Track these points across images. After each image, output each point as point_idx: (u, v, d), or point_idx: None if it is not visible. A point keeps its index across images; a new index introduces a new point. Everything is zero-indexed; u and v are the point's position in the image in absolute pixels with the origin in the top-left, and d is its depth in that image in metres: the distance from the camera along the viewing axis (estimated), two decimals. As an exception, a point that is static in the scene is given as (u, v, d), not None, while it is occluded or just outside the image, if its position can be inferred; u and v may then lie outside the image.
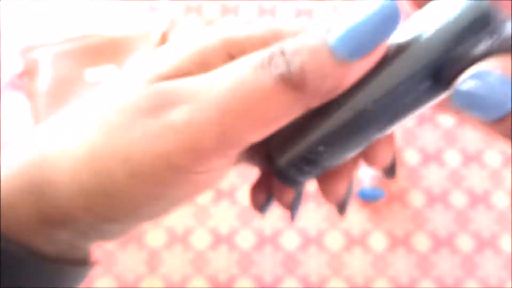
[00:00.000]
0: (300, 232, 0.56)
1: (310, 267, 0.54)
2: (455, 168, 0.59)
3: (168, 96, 0.15)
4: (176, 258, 0.54)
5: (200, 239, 0.55)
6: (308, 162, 0.17)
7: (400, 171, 0.58)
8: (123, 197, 0.15)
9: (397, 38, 0.14)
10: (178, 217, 0.56)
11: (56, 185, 0.15)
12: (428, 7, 0.14)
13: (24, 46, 0.60)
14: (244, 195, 0.57)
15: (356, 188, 0.58)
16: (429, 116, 0.60)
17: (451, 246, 0.55)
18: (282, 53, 0.14)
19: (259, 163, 0.20)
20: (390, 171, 0.19)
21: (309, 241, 0.55)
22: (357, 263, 0.54)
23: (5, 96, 0.60)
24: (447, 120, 0.60)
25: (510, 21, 0.12)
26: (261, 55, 0.14)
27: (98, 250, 0.54)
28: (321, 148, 0.16)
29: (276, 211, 0.56)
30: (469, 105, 0.13)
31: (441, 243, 0.56)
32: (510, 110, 0.12)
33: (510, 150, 0.59)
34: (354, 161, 0.19)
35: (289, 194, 0.19)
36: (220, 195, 0.57)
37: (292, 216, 0.20)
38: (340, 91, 0.14)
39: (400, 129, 0.60)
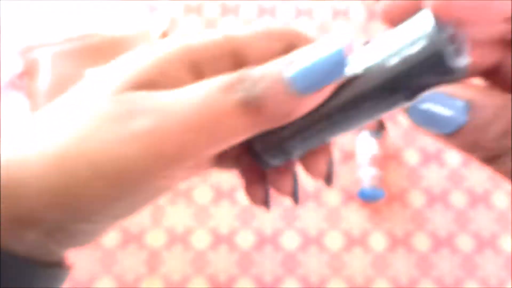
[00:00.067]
0: (300, 232, 0.56)
1: (310, 267, 0.54)
2: (455, 168, 0.59)
3: (135, 106, 0.16)
4: (176, 258, 0.54)
5: (200, 239, 0.55)
6: (282, 151, 0.19)
7: (400, 171, 0.58)
8: (87, 197, 0.16)
9: (367, 56, 0.16)
10: (178, 217, 0.56)
11: (25, 185, 0.16)
12: (393, 33, 0.15)
13: (24, 46, 0.60)
14: (244, 195, 0.57)
15: (356, 188, 0.58)
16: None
17: (451, 246, 0.55)
18: (246, 79, 0.15)
19: (234, 166, 0.21)
20: (327, 179, 0.21)
21: (309, 241, 0.55)
22: (357, 263, 0.54)
23: (5, 96, 0.60)
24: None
25: (461, 57, 0.15)
26: (226, 78, 0.16)
27: (98, 250, 0.54)
28: (292, 142, 0.18)
29: (276, 211, 0.56)
30: (423, 122, 0.15)
31: (441, 243, 0.56)
32: (460, 127, 0.14)
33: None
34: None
35: (287, 182, 0.21)
36: (220, 195, 0.57)
37: (296, 200, 0.21)
38: (294, 118, 0.16)
39: (400, 129, 0.60)
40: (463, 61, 0.15)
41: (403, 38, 0.15)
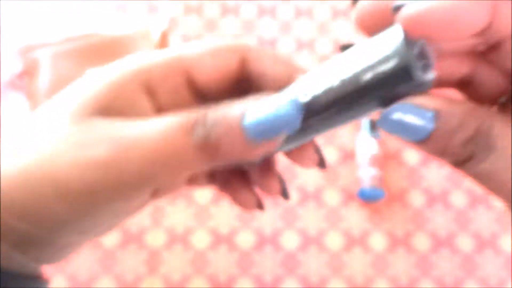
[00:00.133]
0: (300, 232, 0.56)
1: (310, 267, 0.54)
2: (455, 168, 0.59)
3: (98, 134, 0.17)
4: (176, 258, 0.54)
5: (200, 239, 0.55)
6: None
7: (400, 171, 0.58)
8: (49, 214, 0.17)
9: (343, 68, 0.17)
10: (178, 217, 0.56)
11: None
12: (367, 45, 0.16)
13: (24, 46, 0.60)
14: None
15: (356, 188, 0.58)
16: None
17: (451, 246, 0.55)
18: (204, 122, 0.17)
19: (209, 183, 0.22)
20: (321, 164, 0.21)
21: (309, 241, 0.55)
22: (357, 263, 0.54)
23: (5, 96, 0.60)
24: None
25: (428, 71, 0.16)
26: (187, 119, 0.17)
27: (98, 250, 0.54)
28: None
29: (276, 211, 0.56)
30: (394, 130, 0.16)
31: (441, 243, 0.56)
32: (429, 135, 0.15)
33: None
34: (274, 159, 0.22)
35: (274, 181, 0.21)
36: (220, 195, 0.57)
37: (286, 197, 0.22)
38: (247, 160, 0.18)
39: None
40: (430, 75, 0.16)
41: (376, 53, 0.16)
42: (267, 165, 0.21)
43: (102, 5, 0.67)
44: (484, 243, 0.56)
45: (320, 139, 0.60)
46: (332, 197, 0.57)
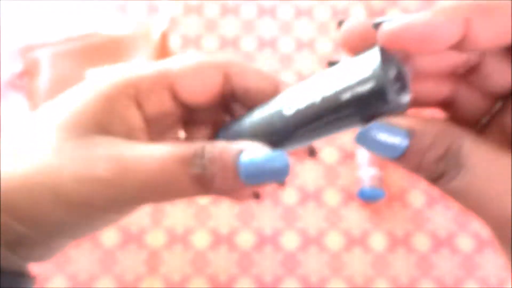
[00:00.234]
0: (300, 232, 0.56)
1: (310, 267, 0.54)
2: (455, 168, 0.59)
3: (100, 154, 0.18)
4: (176, 258, 0.54)
5: (200, 239, 0.55)
6: None
7: (400, 171, 0.58)
8: (47, 220, 0.18)
9: (325, 87, 0.18)
10: (178, 217, 0.56)
11: None
12: (348, 65, 0.18)
13: (24, 46, 0.60)
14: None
15: (356, 188, 0.58)
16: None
17: (451, 246, 0.55)
18: (202, 156, 0.18)
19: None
20: (312, 153, 0.23)
21: (309, 241, 0.55)
22: (357, 263, 0.54)
23: (5, 96, 0.60)
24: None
25: (404, 93, 0.17)
26: (186, 152, 0.18)
27: (98, 250, 0.54)
28: None
29: (276, 211, 0.56)
30: (371, 148, 0.17)
31: (441, 243, 0.56)
32: (403, 152, 0.16)
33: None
34: None
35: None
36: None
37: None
38: (237, 194, 0.19)
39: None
40: (405, 98, 0.17)
41: (355, 74, 0.17)
42: None
43: (102, 5, 0.67)
44: (484, 243, 0.56)
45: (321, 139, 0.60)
46: (332, 197, 0.57)
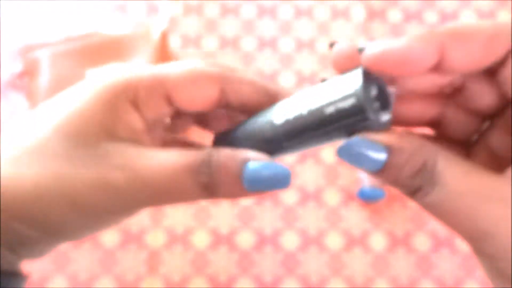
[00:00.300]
0: (300, 232, 0.56)
1: (310, 267, 0.54)
2: (455, 168, 0.59)
3: (111, 162, 0.19)
4: (176, 258, 0.54)
5: (200, 239, 0.55)
6: None
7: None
8: (59, 225, 0.19)
9: (312, 100, 0.19)
10: (178, 217, 0.56)
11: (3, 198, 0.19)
12: (334, 82, 0.19)
13: (24, 46, 0.61)
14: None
15: (356, 188, 0.58)
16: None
17: (451, 246, 0.55)
18: (209, 165, 0.19)
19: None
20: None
21: (309, 241, 0.55)
22: (357, 263, 0.54)
23: (5, 96, 0.60)
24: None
25: (385, 111, 0.18)
26: (194, 160, 0.19)
27: (98, 250, 0.54)
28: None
29: (276, 211, 0.56)
30: (350, 161, 0.18)
31: (441, 243, 0.56)
32: (381, 167, 0.17)
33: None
34: None
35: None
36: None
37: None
38: (240, 199, 0.21)
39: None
40: (386, 116, 0.18)
41: (339, 91, 0.18)
42: None
43: (102, 5, 0.67)
44: (484, 243, 0.56)
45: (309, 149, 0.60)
46: (332, 197, 0.57)
